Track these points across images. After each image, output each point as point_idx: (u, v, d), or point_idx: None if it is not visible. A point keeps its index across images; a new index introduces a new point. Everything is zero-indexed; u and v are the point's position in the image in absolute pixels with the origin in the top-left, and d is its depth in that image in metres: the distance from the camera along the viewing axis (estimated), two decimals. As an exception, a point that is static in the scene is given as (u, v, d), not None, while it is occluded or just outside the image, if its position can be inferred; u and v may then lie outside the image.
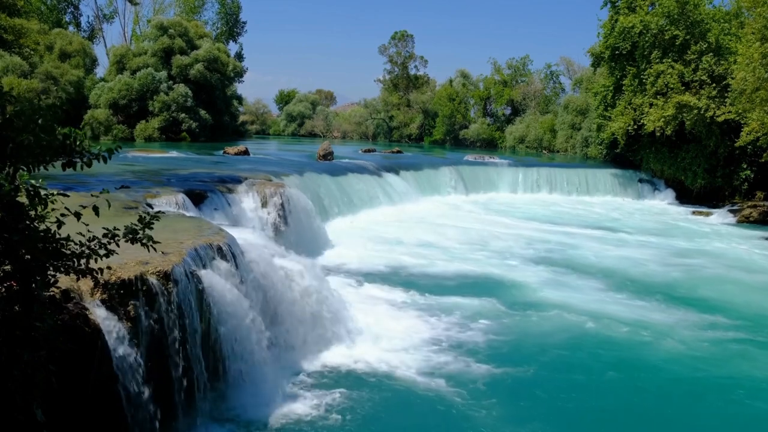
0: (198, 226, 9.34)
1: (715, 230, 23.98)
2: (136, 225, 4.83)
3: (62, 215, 4.40)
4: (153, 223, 4.88)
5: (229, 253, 8.38)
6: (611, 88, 34.44)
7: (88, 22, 65.24)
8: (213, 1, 66.09)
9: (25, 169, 4.17)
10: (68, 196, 4.48)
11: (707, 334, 11.19)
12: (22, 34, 27.86)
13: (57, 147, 4.13)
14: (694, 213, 28.18)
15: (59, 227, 4.41)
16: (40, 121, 4.04)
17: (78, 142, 4.24)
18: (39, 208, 4.22)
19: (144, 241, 4.81)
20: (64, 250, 4.40)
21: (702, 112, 28.51)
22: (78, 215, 4.41)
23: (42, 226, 4.31)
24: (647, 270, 16.12)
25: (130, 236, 4.78)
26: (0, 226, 4.02)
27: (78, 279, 4.67)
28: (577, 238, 20.41)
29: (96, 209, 4.47)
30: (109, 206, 4.82)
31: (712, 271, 16.48)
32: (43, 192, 4.19)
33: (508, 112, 65.53)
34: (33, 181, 4.19)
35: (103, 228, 4.74)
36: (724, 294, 14.04)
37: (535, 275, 15.02)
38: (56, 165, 4.35)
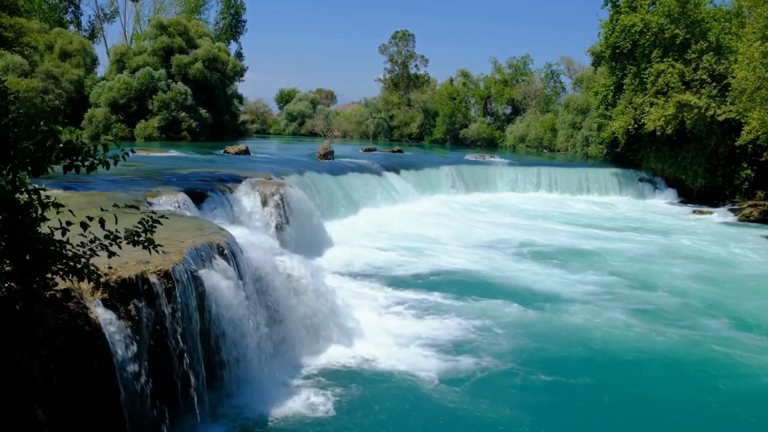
0: (198, 226, 9.34)
1: (716, 229, 23.92)
2: (138, 227, 4.85)
3: (68, 223, 4.41)
4: (155, 227, 4.89)
5: (230, 252, 8.39)
6: (612, 88, 34.41)
7: (89, 22, 65.38)
8: (216, 0, 66.25)
9: (27, 172, 4.18)
10: (63, 206, 4.48)
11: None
12: (22, 33, 27.83)
13: (59, 151, 4.14)
14: (694, 212, 28.16)
15: (63, 234, 4.43)
16: (42, 125, 4.04)
17: (85, 149, 4.25)
18: (39, 211, 4.23)
19: (145, 244, 4.82)
20: (65, 252, 4.41)
21: (702, 111, 28.49)
22: (84, 226, 4.43)
23: (44, 229, 4.32)
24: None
25: (132, 239, 4.79)
26: (1, 227, 4.03)
27: (81, 280, 4.68)
28: (562, 233, 20.45)
29: (102, 222, 4.50)
30: (116, 221, 4.84)
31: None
32: (44, 194, 4.20)
33: (508, 111, 65.50)
34: (34, 185, 4.20)
35: (105, 230, 4.74)
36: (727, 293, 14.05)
37: (544, 276, 15.03)
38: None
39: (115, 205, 5.07)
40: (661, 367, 9.66)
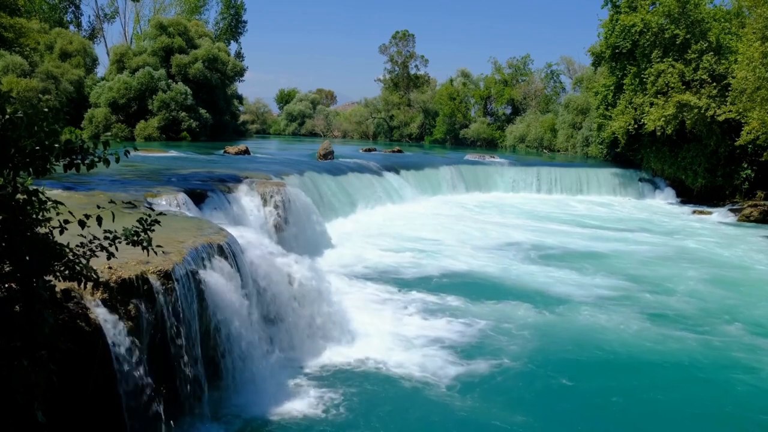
0: (198, 226, 9.34)
1: (720, 230, 23.75)
2: (137, 227, 4.84)
3: (66, 222, 4.42)
4: (153, 227, 4.89)
5: (230, 252, 8.38)
6: (612, 88, 34.43)
7: (89, 22, 65.57)
8: (217, 0, 66.37)
9: (28, 172, 4.18)
10: (62, 204, 4.48)
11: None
12: (22, 33, 27.86)
13: (59, 150, 4.14)
14: (695, 212, 28.15)
15: (61, 233, 4.42)
16: (44, 125, 4.05)
17: (85, 147, 4.25)
18: (40, 213, 4.23)
19: (144, 244, 4.82)
20: (65, 252, 4.41)
21: (702, 111, 28.48)
22: (83, 224, 4.43)
23: (43, 230, 4.32)
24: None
25: (132, 238, 4.79)
26: (1, 228, 4.03)
27: (80, 283, 4.68)
28: (562, 234, 20.42)
29: (99, 220, 4.50)
30: (114, 219, 4.83)
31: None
32: (42, 196, 4.20)
33: (508, 111, 65.61)
34: (32, 186, 4.19)
35: (104, 230, 4.74)
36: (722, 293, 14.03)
37: (551, 277, 15.02)
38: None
39: (112, 201, 5.04)
40: (677, 371, 9.52)
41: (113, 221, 4.83)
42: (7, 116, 4.00)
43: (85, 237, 4.73)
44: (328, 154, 30.06)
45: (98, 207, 4.91)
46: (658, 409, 8.33)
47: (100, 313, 5.81)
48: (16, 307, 4.18)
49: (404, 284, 13.54)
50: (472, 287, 13.61)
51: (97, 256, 4.77)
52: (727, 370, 9.64)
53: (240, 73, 54.31)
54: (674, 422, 8.06)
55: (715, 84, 28.80)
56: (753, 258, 18.32)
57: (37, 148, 4.03)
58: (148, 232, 4.90)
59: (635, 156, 34.19)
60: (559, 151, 50.94)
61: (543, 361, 9.62)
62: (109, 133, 42.70)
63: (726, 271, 16.33)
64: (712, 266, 16.78)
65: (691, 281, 14.98)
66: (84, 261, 4.61)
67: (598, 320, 11.64)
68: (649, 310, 12.40)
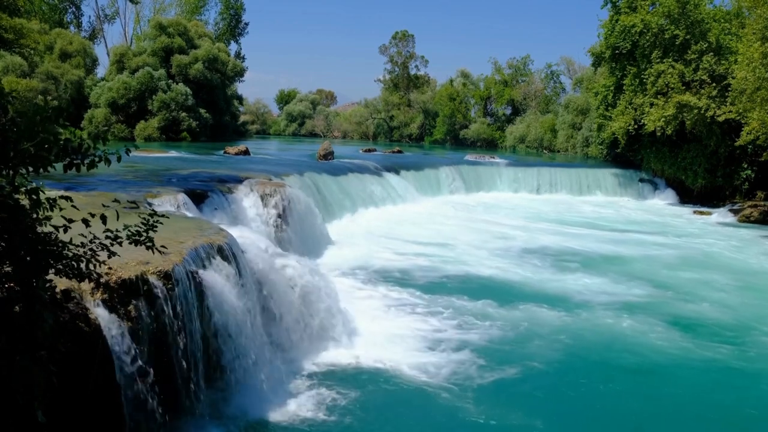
0: (198, 226, 9.34)
1: (727, 232, 23.54)
2: (140, 227, 4.84)
3: (69, 220, 4.40)
4: (156, 227, 4.89)
5: (230, 252, 8.38)
6: (612, 88, 34.45)
7: (89, 22, 65.59)
8: (216, 1, 66.42)
9: (26, 171, 4.17)
10: (70, 200, 4.46)
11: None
12: (22, 34, 27.87)
13: (59, 150, 4.13)
14: (695, 213, 28.15)
15: (65, 231, 4.41)
16: (40, 121, 4.04)
17: (84, 147, 4.24)
18: (41, 212, 4.22)
19: (147, 244, 4.82)
20: (66, 252, 4.41)
21: (702, 111, 28.50)
22: (86, 222, 4.42)
23: (45, 229, 4.32)
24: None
25: (134, 238, 4.79)
26: (1, 228, 4.02)
27: (81, 280, 4.68)
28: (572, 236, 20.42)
29: (104, 218, 4.49)
30: (118, 217, 4.83)
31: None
32: (43, 195, 4.19)
33: (508, 111, 65.73)
34: (33, 184, 4.19)
35: (106, 230, 4.73)
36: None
37: (539, 275, 15.00)
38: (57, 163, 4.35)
39: (116, 200, 5.04)
40: (707, 378, 9.35)
41: (117, 220, 4.81)
42: (9, 116, 4.00)
43: (86, 237, 4.73)
44: (328, 155, 30.09)
45: (103, 206, 4.91)
46: (685, 416, 8.21)
47: (100, 314, 5.81)
48: (16, 307, 4.18)
49: (403, 284, 13.49)
50: (470, 287, 13.52)
51: (98, 256, 4.77)
52: (759, 377, 9.46)
53: (240, 73, 54.38)
54: (702, 429, 7.96)
55: (715, 84, 28.81)
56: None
57: (36, 148, 4.02)
58: (151, 230, 4.89)
59: (635, 156, 34.21)
60: (559, 151, 50.98)
61: (569, 366, 9.49)
62: (105, 127, 42.65)
63: (748, 277, 15.93)
64: (732, 271, 16.41)
65: (714, 287, 14.63)
66: (85, 260, 4.60)
67: (624, 326, 11.42)
68: (676, 316, 12.15)
